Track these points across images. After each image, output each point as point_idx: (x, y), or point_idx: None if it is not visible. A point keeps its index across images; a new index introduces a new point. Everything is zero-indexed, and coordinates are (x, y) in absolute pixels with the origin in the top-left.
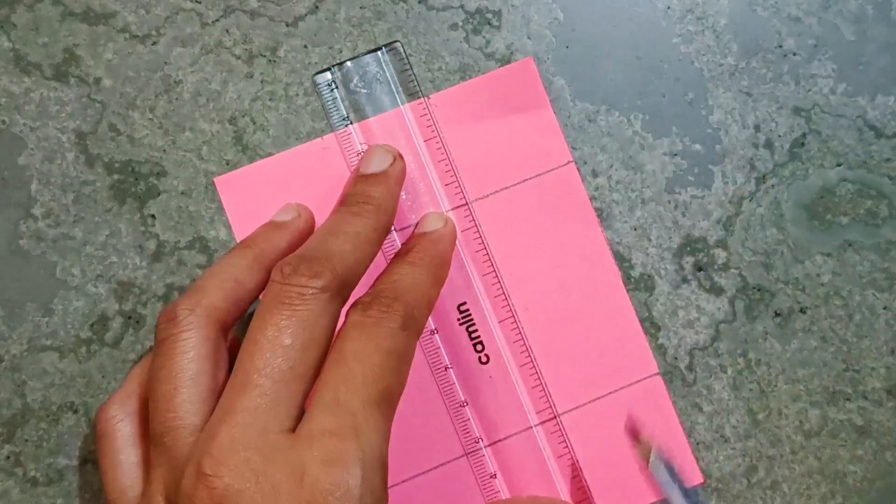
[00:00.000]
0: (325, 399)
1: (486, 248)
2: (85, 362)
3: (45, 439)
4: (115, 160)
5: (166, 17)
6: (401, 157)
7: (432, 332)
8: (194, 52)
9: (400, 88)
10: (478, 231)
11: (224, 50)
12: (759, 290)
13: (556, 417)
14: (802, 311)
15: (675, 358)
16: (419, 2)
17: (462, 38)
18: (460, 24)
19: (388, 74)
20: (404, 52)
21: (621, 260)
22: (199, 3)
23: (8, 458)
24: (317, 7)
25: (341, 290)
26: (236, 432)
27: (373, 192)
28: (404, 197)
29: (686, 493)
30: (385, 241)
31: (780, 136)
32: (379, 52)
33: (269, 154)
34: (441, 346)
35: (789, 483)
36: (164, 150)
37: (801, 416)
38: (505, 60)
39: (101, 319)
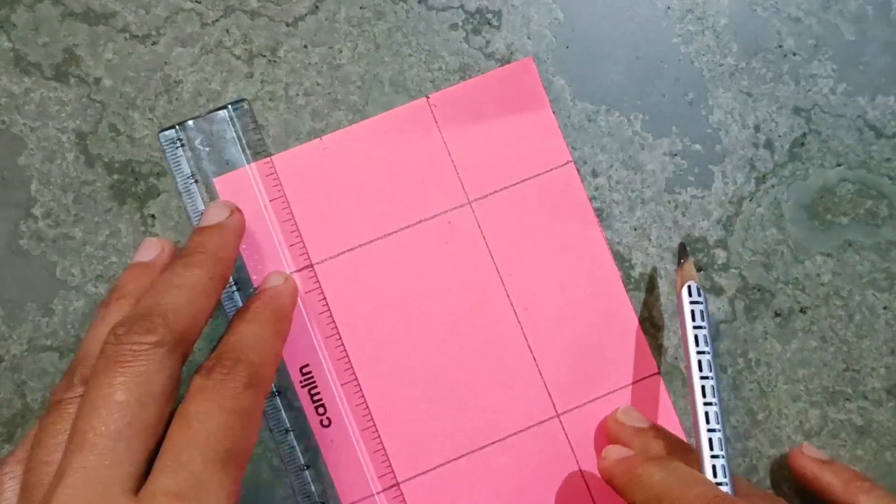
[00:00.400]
0: (168, 461)
1: (329, 310)
2: None
3: None
4: (115, 160)
5: (166, 17)
6: (239, 210)
7: (273, 395)
8: (194, 52)
9: (246, 147)
10: (321, 293)
11: (224, 50)
12: (759, 290)
13: (397, 485)
14: (802, 311)
15: (675, 358)
16: (419, 2)
17: (462, 38)
18: (460, 24)
19: (234, 132)
20: (251, 109)
21: (621, 260)
22: (199, 3)
23: None
24: (317, 7)
25: (178, 343)
26: (74, 493)
27: (207, 243)
28: (245, 251)
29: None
30: (229, 304)
31: (780, 136)
32: (225, 110)
33: (269, 155)
34: (282, 408)
35: (789, 483)
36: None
37: (801, 416)
38: (505, 60)
39: None
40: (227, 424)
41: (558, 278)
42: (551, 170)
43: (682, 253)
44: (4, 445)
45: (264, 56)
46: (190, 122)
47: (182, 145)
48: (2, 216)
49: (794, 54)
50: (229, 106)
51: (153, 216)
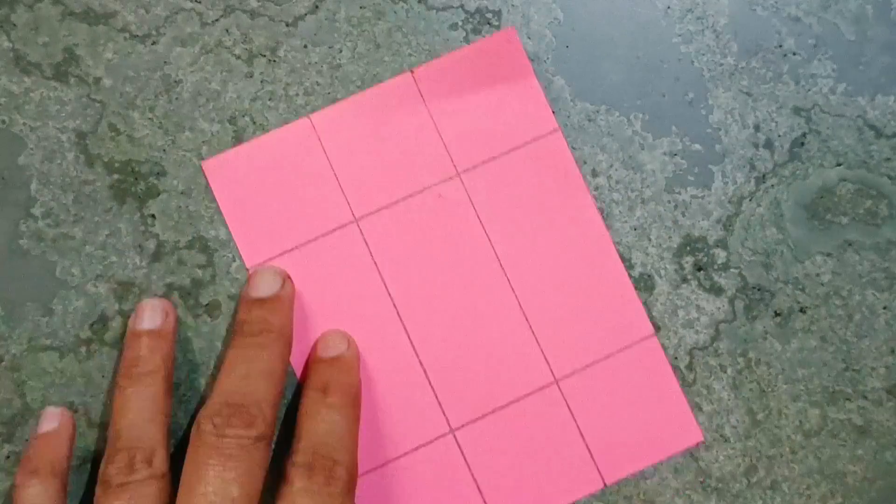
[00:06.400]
0: None
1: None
2: (85, 362)
3: None
4: (115, 160)
5: (166, 16)
6: (289, 278)
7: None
8: (194, 52)
9: None
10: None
11: (224, 50)
12: (759, 289)
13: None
14: (802, 311)
15: (675, 358)
16: (419, 2)
17: (462, 38)
18: (460, 23)
19: None
20: None
21: (621, 260)
22: (199, 2)
23: (8, 457)
24: (317, 7)
25: (271, 435)
26: None
27: (272, 320)
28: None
29: None
30: None
31: (780, 135)
32: None
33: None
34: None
35: (789, 483)
36: (164, 150)
37: (801, 416)
38: None
39: (101, 319)
40: None
41: (548, 244)
42: (538, 138)
43: None
44: (4, 445)
45: (264, 56)
46: None
47: None
48: (2, 216)
49: (794, 54)
50: None
51: (153, 216)
